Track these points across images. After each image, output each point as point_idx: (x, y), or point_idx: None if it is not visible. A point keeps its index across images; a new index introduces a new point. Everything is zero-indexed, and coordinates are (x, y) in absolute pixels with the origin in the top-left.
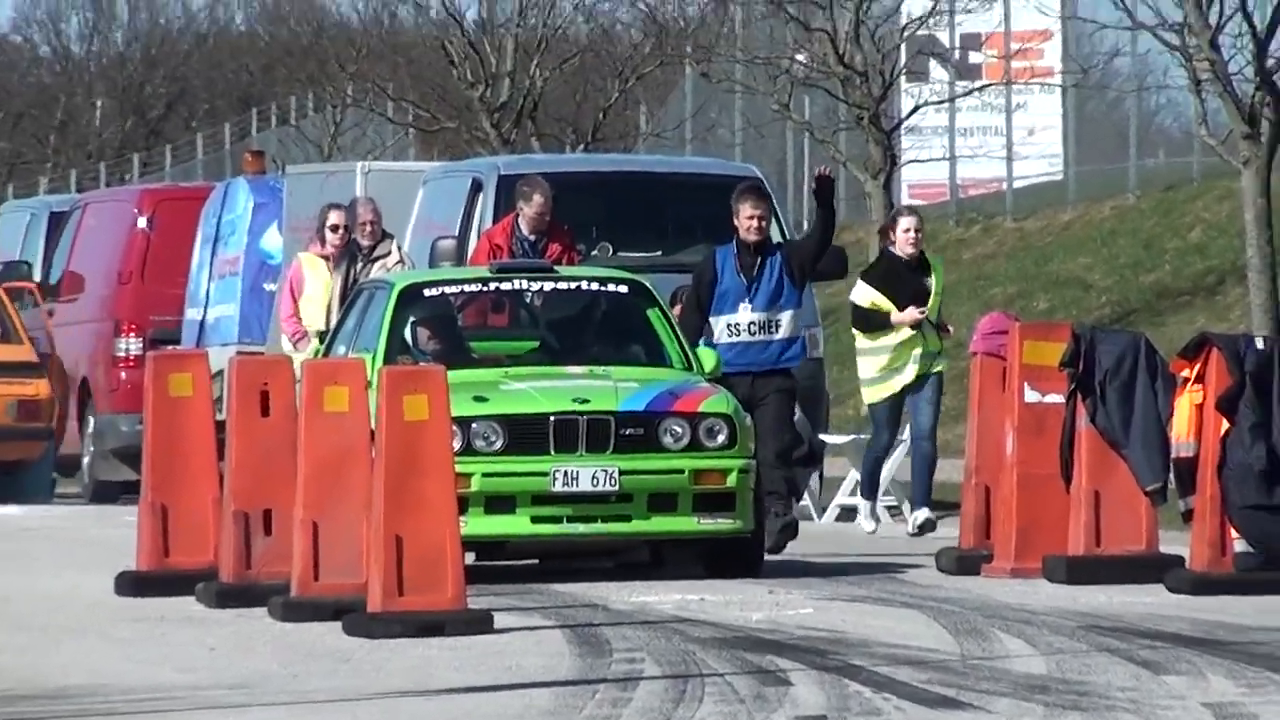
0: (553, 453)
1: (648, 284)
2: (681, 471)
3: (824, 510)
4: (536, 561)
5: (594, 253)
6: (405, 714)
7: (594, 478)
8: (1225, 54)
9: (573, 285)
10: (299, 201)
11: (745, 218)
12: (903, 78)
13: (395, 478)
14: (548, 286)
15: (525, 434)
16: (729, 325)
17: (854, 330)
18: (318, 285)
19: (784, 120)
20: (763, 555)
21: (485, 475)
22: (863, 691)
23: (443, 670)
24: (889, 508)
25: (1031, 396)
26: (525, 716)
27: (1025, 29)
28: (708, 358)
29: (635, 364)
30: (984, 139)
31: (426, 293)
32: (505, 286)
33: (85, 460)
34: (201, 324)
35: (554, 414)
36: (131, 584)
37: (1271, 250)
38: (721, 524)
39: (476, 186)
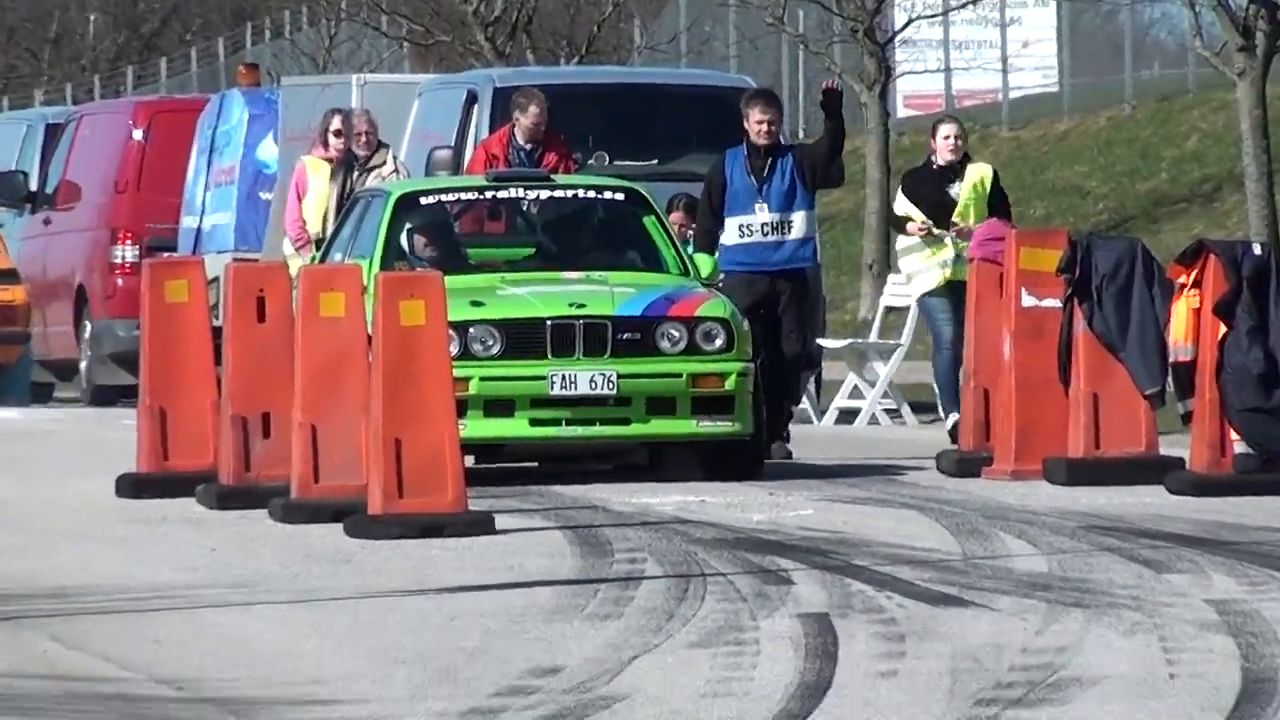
0: (550, 357)
1: (644, 191)
2: (679, 375)
3: (823, 413)
4: (535, 464)
5: (590, 162)
6: (407, 612)
7: (592, 381)
8: None
9: (569, 193)
10: (294, 113)
11: (755, 121)
12: None
13: (393, 382)
14: (544, 194)
15: (522, 338)
16: (741, 226)
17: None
18: (321, 188)
19: (778, 33)
20: (762, 457)
21: (483, 379)
22: (865, 590)
23: (444, 570)
24: (888, 410)
25: (1029, 301)
26: (528, 614)
27: None
28: (704, 263)
29: (632, 270)
30: (978, 52)
31: (423, 200)
32: (502, 195)
33: (83, 365)
34: (198, 232)
35: (551, 318)
36: (131, 486)
37: (1268, 159)
38: (720, 426)
39: (472, 99)
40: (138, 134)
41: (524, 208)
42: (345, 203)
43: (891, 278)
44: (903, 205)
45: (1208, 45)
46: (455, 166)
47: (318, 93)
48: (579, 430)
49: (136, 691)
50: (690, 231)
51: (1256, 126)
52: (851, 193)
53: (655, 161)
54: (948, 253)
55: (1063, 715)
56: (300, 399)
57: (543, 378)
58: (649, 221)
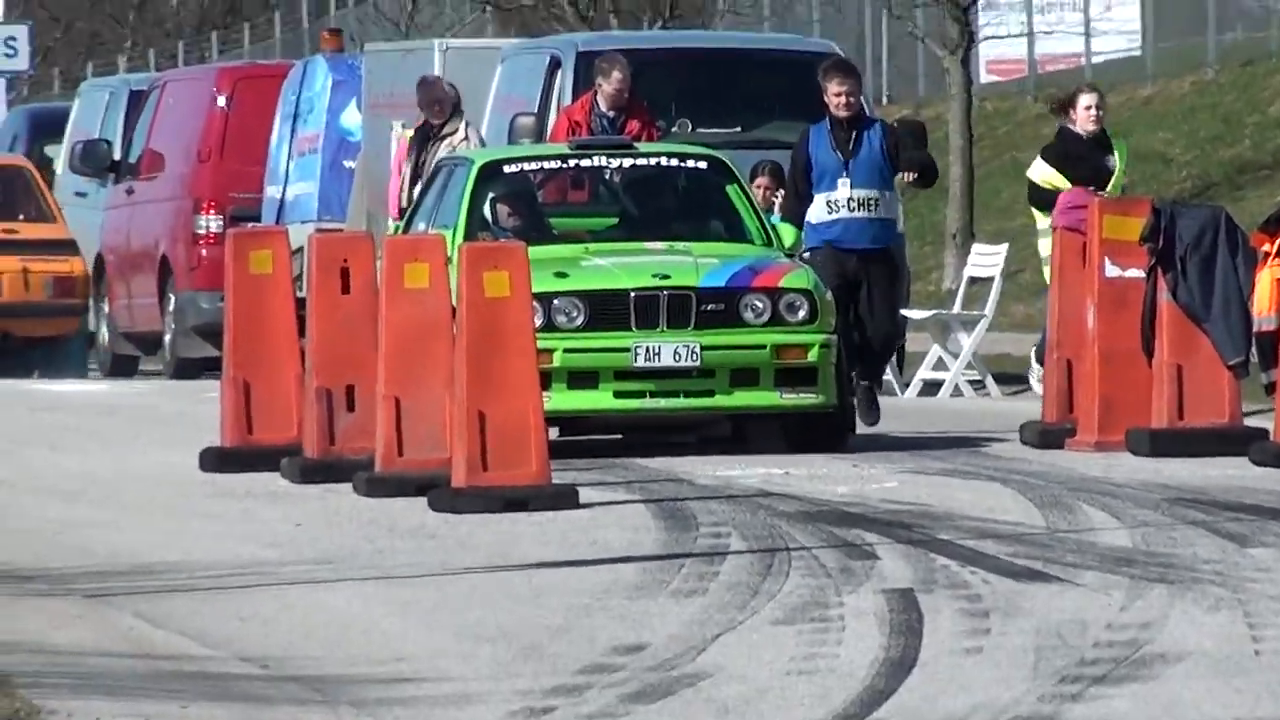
0: (634, 329)
1: (726, 160)
2: (763, 346)
3: (907, 385)
4: (620, 437)
5: (673, 129)
6: (490, 588)
7: (676, 353)
8: None
9: (652, 161)
10: (377, 79)
11: (833, 94)
12: None
13: (477, 354)
14: (627, 163)
15: (606, 310)
16: (829, 202)
17: (1032, 209)
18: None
19: None
20: (846, 430)
21: (567, 351)
22: (949, 565)
23: (528, 545)
24: (972, 382)
25: (1112, 271)
26: (612, 590)
27: None
28: (787, 233)
29: (715, 240)
30: (1062, 15)
31: (506, 169)
32: (585, 163)
33: (167, 338)
34: (281, 201)
35: (635, 290)
36: (216, 460)
37: None
38: (804, 398)
39: (555, 64)
40: (221, 101)
41: (606, 176)
42: (421, 172)
43: (975, 247)
44: (1045, 173)
45: None
46: (538, 133)
47: (400, 58)
48: (663, 403)
49: (222, 669)
50: (776, 197)
51: None
52: (935, 160)
53: (738, 129)
54: None
55: (1147, 692)
56: (384, 371)
57: (627, 349)
58: (732, 190)
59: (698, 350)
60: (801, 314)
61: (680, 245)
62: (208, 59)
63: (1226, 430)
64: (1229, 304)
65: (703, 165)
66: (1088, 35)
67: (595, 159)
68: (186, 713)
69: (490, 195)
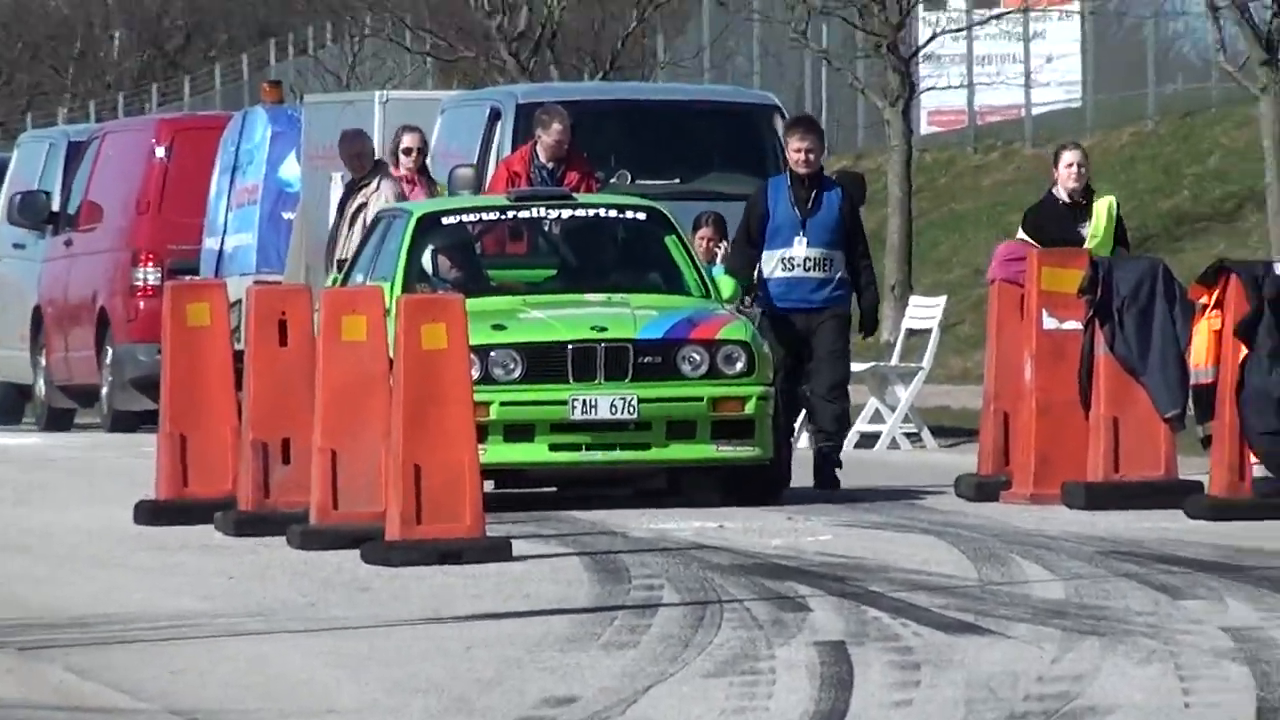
0: (571, 381)
1: (666, 211)
2: (700, 399)
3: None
4: (555, 490)
5: (612, 180)
6: (423, 641)
7: (612, 405)
8: None
9: (591, 213)
10: (317, 131)
11: (794, 150)
12: (920, 5)
13: (414, 406)
14: (566, 214)
15: (544, 362)
16: (783, 259)
17: None
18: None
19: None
20: (781, 483)
21: (504, 404)
22: (881, 617)
23: (461, 598)
24: (908, 434)
25: (1050, 323)
26: (544, 643)
27: None
28: (726, 285)
29: (653, 291)
30: (1002, 67)
31: (444, 221)
32: (524, 214)
33: (104, 390)
34: (219, 253)
35: (572, 342)
36: (150, 513)
37: None
38: (740, 451)
39: (495, 115)
40: (160, 152)
41: (545, 227)
42: (343, 221)
43: (913, 299)
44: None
45: (1230, 59)
46: (477, 185)
47: (340, 110)
48: (599, 455)
49: None
50: (719, 248)
51: (1279, 142)
52: (873, 211)
53: (677, 180)
54: None
55: None
56: (321, 423)
57: (564, 402)
58: (670, 241)
59: (635, 402)
60: (739, 365)
61: (618, 297)
62: (148, 110)
63: (1162, 483)
64: (1166, 356)
65: (641, 216)
66: (1028, 87)
67: (534, 210)
68: None
69: (429, 246)
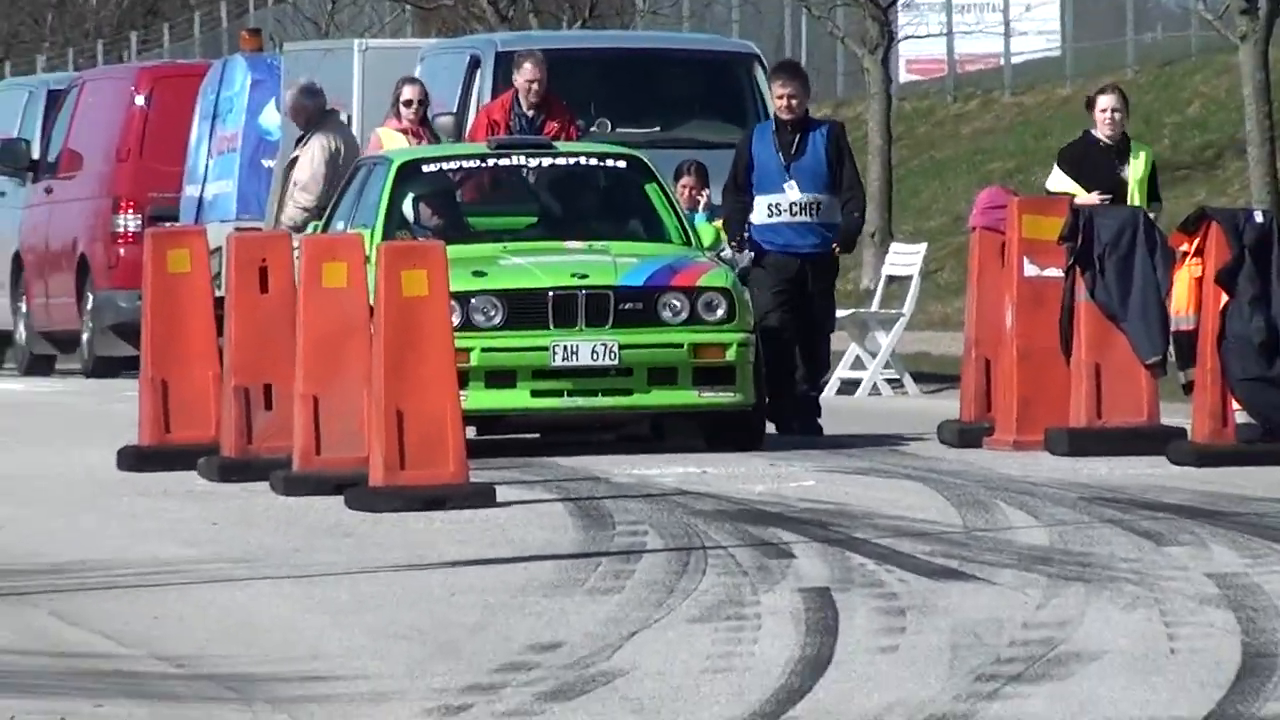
0: (552, 328)
1: (646, 159)
2: (681, 345)
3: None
4: (537, 436)
5: (592, 129)
6: (407, 587)
7: (594, 352)
8: None
9: (571, 161)
10: (296, 78)
11: (777, 95)
12: None
13: (395, 353)
14: (546, 162)
15: (524, 309)
16: (771, 205)
17: None
18: None
19: None
20: (764, 428)
21: (485, 350)
22: (865, 563)
23: (445, 544)
24: (890, 381)
25: (1030, 270)
26: (528, 589)
27: None
28: (706, 232)
29: (634, 239)
30: (981, 15)
31: (425, 169)
32: (503, 162)
33: (84, 336)
34: (200, 200)
35: (553, 289)
36: (133, 459)
37: (1270, 124)
38: (722, 397)
39: (475, 63)
40: (140, 100)
41: (525, 175)
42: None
43: (894, 246)
44: (1060, 182)
45: (1210, 8)
46: (458, 133)
47: (320, 58)
48: (580, 401)
49: (136, 668)
50: (701, 196)
51: (1258, 91)
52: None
53: (658, 128)
54: None
55: (1063, 691)
56: (302, 370)
57: (545, 348)
58: (651, 189)
59: (615, 349)
60: (720, 313)
61: (599, 245)
62: (127, 58)
63: (1144, 429)
64: (1147, 303)
65: (622, 164)
66: (1007, 35)
67: (514, 158)
68: (100, 711)
69: (409, 194)
